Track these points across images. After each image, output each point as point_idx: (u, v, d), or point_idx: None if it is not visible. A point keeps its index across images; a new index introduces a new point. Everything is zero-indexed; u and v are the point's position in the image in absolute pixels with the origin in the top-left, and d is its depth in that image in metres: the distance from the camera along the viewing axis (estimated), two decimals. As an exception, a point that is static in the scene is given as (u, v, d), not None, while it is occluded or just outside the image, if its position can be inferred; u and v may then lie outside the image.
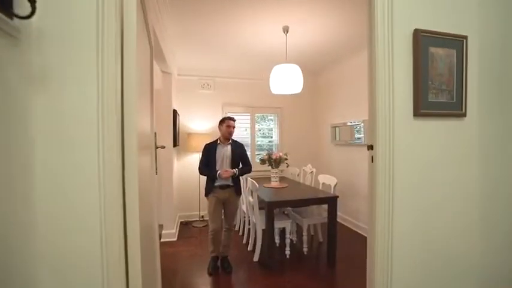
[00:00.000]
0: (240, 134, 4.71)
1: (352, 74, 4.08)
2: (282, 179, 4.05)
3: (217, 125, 2.93)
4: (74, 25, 1.01)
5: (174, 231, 3.70)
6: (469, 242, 1.56)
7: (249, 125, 4.82)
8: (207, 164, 2.80)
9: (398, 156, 1.41)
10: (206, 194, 2.80)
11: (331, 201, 3.02)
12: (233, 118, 2.86)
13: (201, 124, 4.58)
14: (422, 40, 1.38)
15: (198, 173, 2.89)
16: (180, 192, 4.41)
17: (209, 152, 2.81)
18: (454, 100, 1.46)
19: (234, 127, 2.84)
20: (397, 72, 1.39)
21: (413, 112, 1.42)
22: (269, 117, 5.08)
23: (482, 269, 1.55)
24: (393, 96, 1.39)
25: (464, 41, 1.45)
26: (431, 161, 1.47)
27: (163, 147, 2.05)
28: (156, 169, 1.97)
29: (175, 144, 3.84)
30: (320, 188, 3.57)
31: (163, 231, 3.62)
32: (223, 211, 2.85)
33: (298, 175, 4.21)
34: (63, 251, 0.99)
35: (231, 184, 2.80)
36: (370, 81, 1.46)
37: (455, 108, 1.47)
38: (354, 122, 3.95)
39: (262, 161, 3.72)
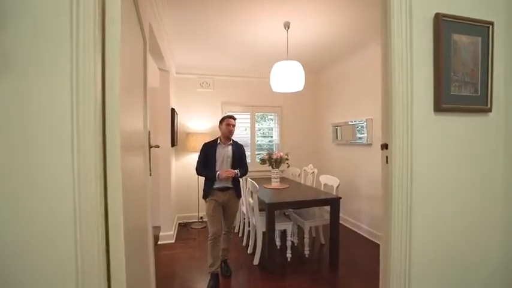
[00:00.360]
0: (240, 133, 4.51)
1: (354, 73, 3.90)
2: (282, 179, 3.86)
3: (217, 124, 2.74)
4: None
5: (171, 233, 3.50)
6: (494, 247, 1.37)
7: (249, 125, 4.63)
8: (206, 165, 2.59)
9: (417, 156, 1.22)
10: (205, 197, 2.57)
11: (333, 203, 2.86)
12: (233, 116, 2.66)
13: (200, 123, 4.39)
14: (445, 26, 1.19)
15: (196, 173, 2.66)
16: (179, 193, 4.22)
17: (208, 152, 2.60)
18: (479, 94, 1.27)
19: (234, 125, 2.63)
20: (416, 62, 1.20)
21: (433, 107, 1.23)
22: (269, 117, 4.89)
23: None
24: (412, 89, 1.20)
25: (490, 27, 1.26)
26: (454, 161, 1.28)
27: (157, 146, 1.86)
28: (150, 170, 1.78)
29: (173, 144, 3.65)
30: (322, 188, 3.39)
31: (160, 233, 3.43)
32: (222, 214, 2.64)
33: (299, 175, 4.02)
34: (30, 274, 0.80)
35: (231, 186, 2.60)
36: (384, 72, 1.28)
37: (479, 103, 1.28)
38: (355, 122, 3.77)
39: (263, 161, 3.53)
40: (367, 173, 3.60)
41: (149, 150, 1.76)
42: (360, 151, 3.77)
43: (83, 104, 0.90)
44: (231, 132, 2.62)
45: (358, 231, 3.80)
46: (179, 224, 4.17)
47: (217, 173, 2.51)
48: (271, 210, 2.66)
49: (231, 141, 2.68)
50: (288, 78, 2.80)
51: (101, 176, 0.94)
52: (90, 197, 0.91)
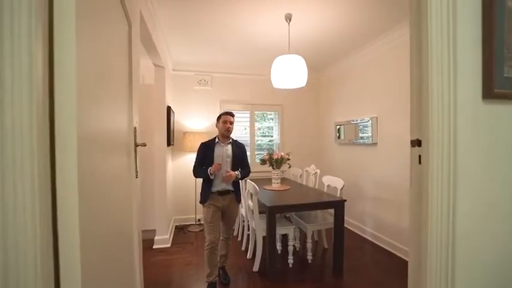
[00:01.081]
0: (239, 133, 4.20)
1: (356, 70, 3.60)
2: (283, 180, 3.55)
3: (215, 123, 2.44)
4: None
5: (167, 236, 3.18)
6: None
7: (248, 124, 4.31)
8: (203, 166, 2.26)
9: (462, 153, 0.92)
10: (202, 202, 2.24)
11: (338, 206, 2.56)
12: (231, 113, 2.34)
13: (197, 122, 4.07)
14: (498, -11, 0.90)
15: (193, 175, 2.34)
16: (175, 195, 3.89)
17: (206, 152, 2.28)
18: (537, 76, 0.98)
19: (232, 123, 2.31)
20: (460, 36, 0.90)
21: (482, 93, 0.93)
22: (269, 116, 4.57)
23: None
24: (455, 70, 0.90)
25: (552, -7, 0.97)
26: (509, 159, 0.98)
27: (144, 144, 1.55)
28: (137, 171, 1.48)
29: (169, 144, 3.34)
30: (325, 190, 3.08)
31: (155, 237, 3.11)
32: (221, 220, 2.32)
33: (300, 176, 3.71)
34: None
35: (232, 189, 2.29)
36: (416, 51, 0.98)
37: (537, 88, 0.98)
38: (358, 120, 3.47)
39: (263, 161, 3.22)
40: (372, 173, 3.30)
41: (135, 149, 1.46)
42: (363, 151, 3.46)
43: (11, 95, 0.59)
44: (228, 130, 2.30)
45: (363, 235, 3.50)
46: (176, 226, 3.84)
47: (209, 169, 2.18)
48: (272, 213, 2.36)
49: (231, 140, 2.37)
50: (290, 73, 2.50)
51: (46, 192, 0.63)
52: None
